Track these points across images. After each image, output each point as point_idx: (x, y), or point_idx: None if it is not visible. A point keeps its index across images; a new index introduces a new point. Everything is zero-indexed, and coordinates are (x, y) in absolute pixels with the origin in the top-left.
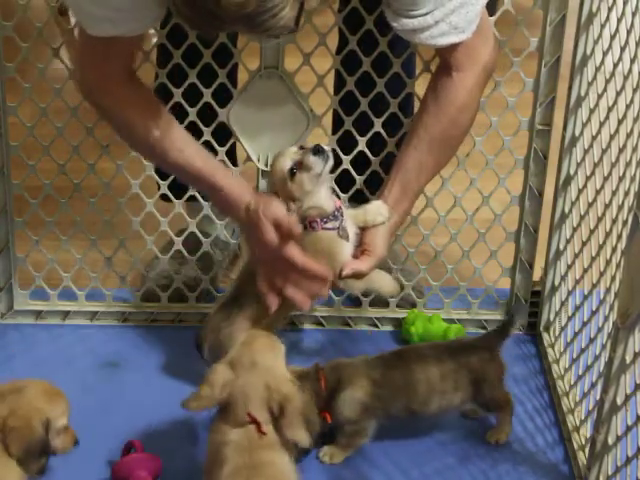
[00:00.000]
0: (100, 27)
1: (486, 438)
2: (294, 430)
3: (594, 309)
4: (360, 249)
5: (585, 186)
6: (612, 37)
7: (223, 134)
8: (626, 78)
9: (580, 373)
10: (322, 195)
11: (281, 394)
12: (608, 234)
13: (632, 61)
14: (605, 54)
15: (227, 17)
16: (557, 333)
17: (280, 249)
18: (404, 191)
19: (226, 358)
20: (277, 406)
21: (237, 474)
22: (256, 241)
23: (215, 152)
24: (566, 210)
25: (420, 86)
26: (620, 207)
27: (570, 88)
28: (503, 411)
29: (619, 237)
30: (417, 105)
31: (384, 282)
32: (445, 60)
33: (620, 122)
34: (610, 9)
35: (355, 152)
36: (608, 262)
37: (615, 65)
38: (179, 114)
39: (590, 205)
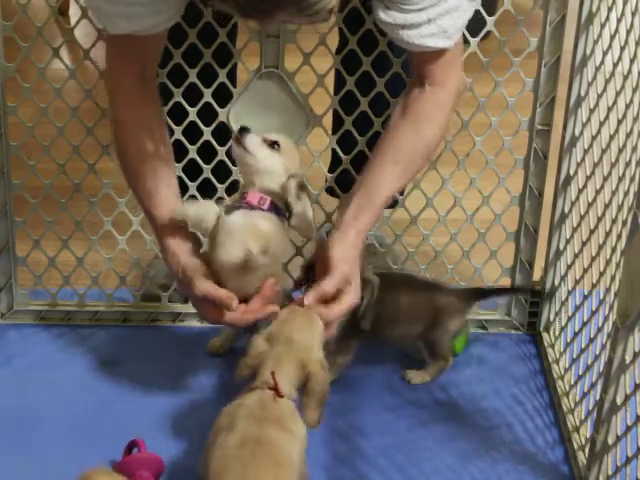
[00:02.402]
0: (114, 24)
1: (402, 373)
2: (309, 411)
3: (594, 309)
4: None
5: (585, 186)
6: (612, 37)
7: (223, 134)
8: (626, 78)
9: (580, 373)
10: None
11: (309, 373)
12: (608, 234)
13: (632, 61)
14: (605, 54)
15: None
16: (557, 333)
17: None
18: (366, 203)
19: (265, 332)
20: (301, 383)
21: (244, 446)
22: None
23: (215, 152)
24: (566, 210)
25: None
26: (620, 207)
27: (570, 88)
28: (438, 361)
29: (619, 237)
30: None
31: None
32: (421, 72)
33: (620, 122)
34: (610, 9)
35: (355, 152)
36: (608, 262)
37: (615, 65)
38: (179, 114)
39: (590, 205)
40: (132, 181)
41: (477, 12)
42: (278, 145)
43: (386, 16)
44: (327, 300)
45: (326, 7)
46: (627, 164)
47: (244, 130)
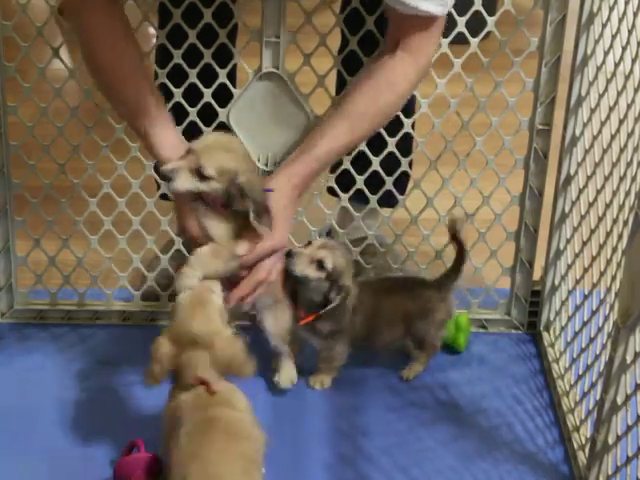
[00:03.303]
0: None
1: (400, 374)
2: (241, 371)
3: (594, 309)
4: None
5: (586, 186)
6: (613, 37)
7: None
8: (627, 78)
9: (580, 373)
10: None
11: (224, 353)
12: (609, 234)
13: (633, 61)
14: (606, 54)
15: None
16: (557, 333)
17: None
18: (306, 151)
19: (168, 331)
20: (222, 365)
21: (194, 429)
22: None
23: None
24: (566, 210)
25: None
26: (621, 207)
27: (570, 88)
28: (425, 352)
29: (620, 237)
30: (418, 106)
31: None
32: (398, 37)
33: (621, 122)
34: (611, 9)
35: (355, 152)
36: (609, 262)
37: (616, 65)
38: (179, 114)
39: (591, 205)
40: (112, 95)
41: (477, 12)
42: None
43: None
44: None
45: None
46: (629, 164)
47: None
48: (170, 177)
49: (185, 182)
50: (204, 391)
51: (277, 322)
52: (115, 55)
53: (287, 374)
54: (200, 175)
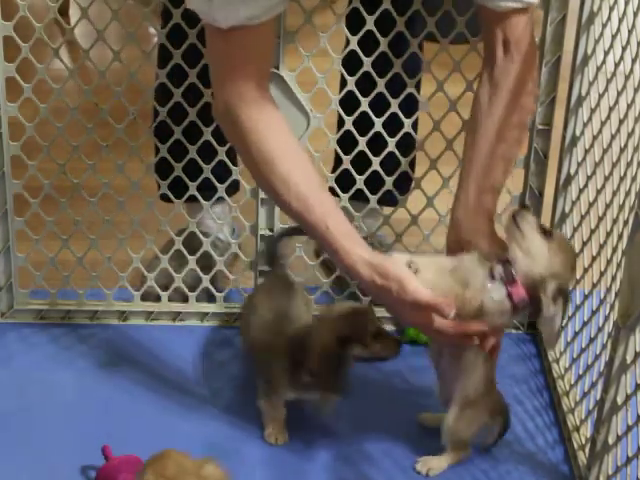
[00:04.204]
0: (231, 11)
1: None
2: None
3: (594, 309)
4: None
5: (586, 186)
6: (613, 37)
7: (223, 134)
8: (627, 78)
9: (580, 373)
10: None
11: None
12: (609, 234)
13: (633, 61)
14: (606, 54)
15: None
16: None
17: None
18: (481, 190)
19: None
20: None
21: None
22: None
23: (215, 152)
24: (566, 210)
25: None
26: (621, 207)
27: (571, 88)
28: None
29: (620, 237)
30: (418, 106)
31: None
32: (502, 35)
33: (621, 122)
34: (611, 9)
35: (355, 152)
36: (609, 262)
37: (616, 65)
38: (179, 114)
39: (591, 205)
40: (283, 193)
41: None
42: (551, 235)
43: None
44: None
45: None
46: (629, 164)
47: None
48: None
49: None
50: None
51: (460, 423)
52: (281, 147)
53: (436, 463)
54: None
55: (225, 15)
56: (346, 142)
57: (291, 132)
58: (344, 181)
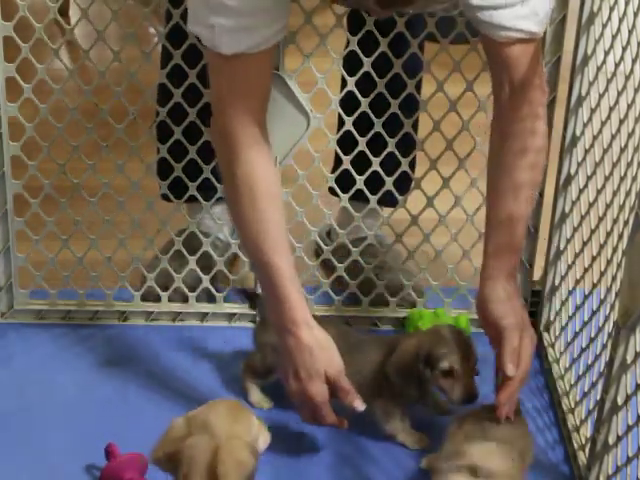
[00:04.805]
0: (234, 39)
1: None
2: None
3: (595, 309)
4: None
5: (586, 186)
6: (613, 37)
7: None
8: (628, 78)
9: (580, 373)
10: None
11: (227, 463)
12: (609, 234)
13: (634, 61)
14: (606, 54)
15: None
16: (557, 333)
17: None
18: (503, 252)
19: (186, 415)
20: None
21: None
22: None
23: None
24: (566, 210)
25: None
26: (621, 207)
27: (571, 88)
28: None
29: (620, 237)
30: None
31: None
32: (506, 73)
33: (622, 122)
34: (611, 9)
35: (355, 152)
36: (609, 262)
37: (616, 65)
38: (179, 114)
39: (591, 205)
40: (257, 234)
41: None
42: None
43: None
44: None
45: None
46: (629, 164)
47: None
48: None
49: None
50: None
51: None
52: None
53: None
54: None
55: (228, 43)
56: (346, 142)
57: (274, 170)
58: (344, 181)
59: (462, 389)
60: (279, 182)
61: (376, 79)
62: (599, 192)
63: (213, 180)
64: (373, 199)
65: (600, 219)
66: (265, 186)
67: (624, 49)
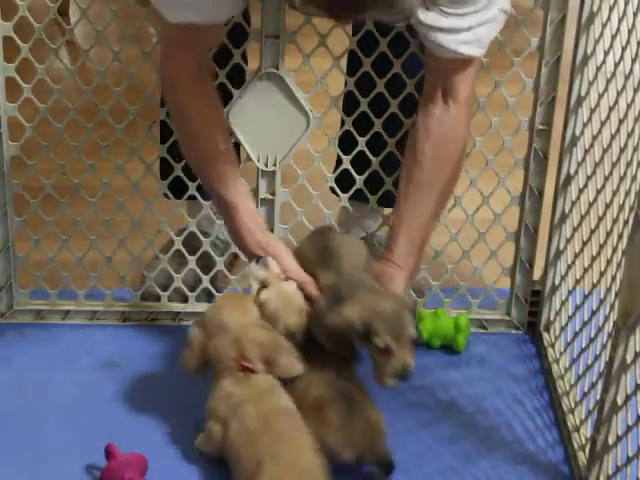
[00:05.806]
0: (180, 13)
1: None
2: (283, 368)
3: (594, 309)
4: None
5: (586, 186)
6: (613, 37)
7: None
8: (627, 78)
9: (580, 373)
10: None
11: (253, 343)
12: (609, 234)
13: (633, 61)
14: (606, 54)
15: None
16: (557, 333)
17: None
18: (411, 244)
19: (198, 320)
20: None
21: (259, 423)
22: None
23: None
24: (566, 210)
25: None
26: (621, 207)
27: (570, 88)
28: None
29: (620, 237)
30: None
31: None
32: (440, 87)
33: (621, 122)
34: (611, 9)
35: (355, 152)
36: (609, 262)
37: (616, 65)
38: None
39: (591, 205)
40: (201, 164)
41: None
42: None
43: (425, 17)
44: None
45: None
46: (629, 164)
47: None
48: None
49: None
50: (245, 378)
51: None
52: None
53: None
54: None
55: (173, 14)
56: (346, 142)
57: (220, 106)
58: (344, 181)
59: (396, 365)
60: (220, 108)
61: (376, 79)
62: (599, 192)
63: None
64: (373, 199)
65: (600, 219)
66: (201, 116)
67: (624, 49)
